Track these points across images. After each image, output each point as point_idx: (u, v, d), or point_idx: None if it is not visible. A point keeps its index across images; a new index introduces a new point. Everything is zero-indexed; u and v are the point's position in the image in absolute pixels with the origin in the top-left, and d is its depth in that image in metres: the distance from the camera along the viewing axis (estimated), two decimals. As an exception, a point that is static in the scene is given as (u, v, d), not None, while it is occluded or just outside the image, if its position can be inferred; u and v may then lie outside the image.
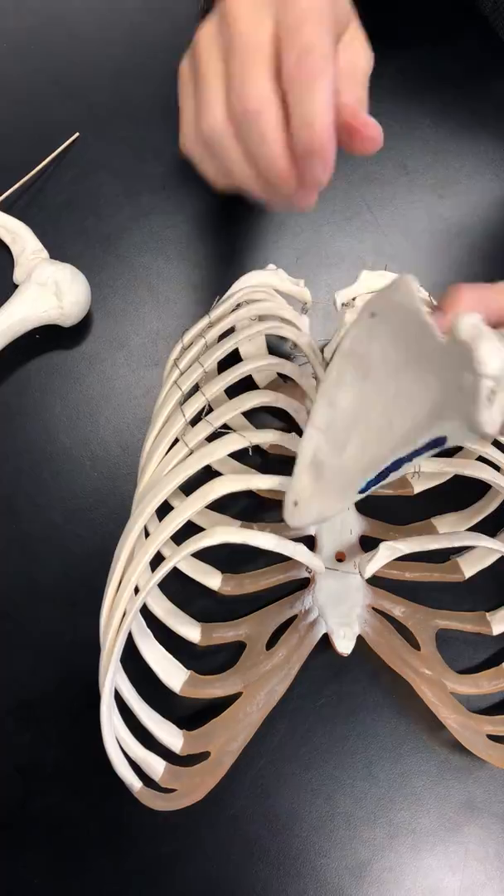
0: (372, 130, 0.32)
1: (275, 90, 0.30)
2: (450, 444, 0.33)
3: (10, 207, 0.60)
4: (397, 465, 0.35)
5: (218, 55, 0.31)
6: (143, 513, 0.41)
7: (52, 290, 0.54)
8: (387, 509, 0.50)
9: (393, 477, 0.36)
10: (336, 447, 0.38)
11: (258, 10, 0.30)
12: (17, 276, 0.56)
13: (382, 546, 0.44)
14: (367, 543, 0.48)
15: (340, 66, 0.33)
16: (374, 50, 0.35)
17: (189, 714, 0.45)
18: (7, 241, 0.58)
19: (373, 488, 0.36)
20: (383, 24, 0.67)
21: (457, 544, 0.44)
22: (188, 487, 0.43)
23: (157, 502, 0.42)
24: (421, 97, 0.65)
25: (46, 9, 0.69)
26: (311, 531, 0.49)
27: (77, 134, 0.63)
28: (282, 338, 0.49)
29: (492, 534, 0.49)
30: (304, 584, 0.47)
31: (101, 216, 0.60)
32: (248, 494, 0.50)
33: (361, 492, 0.36)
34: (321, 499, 0.38)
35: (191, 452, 0.43)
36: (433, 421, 0.32)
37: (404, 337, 0.34)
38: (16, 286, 0.55)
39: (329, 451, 0.39)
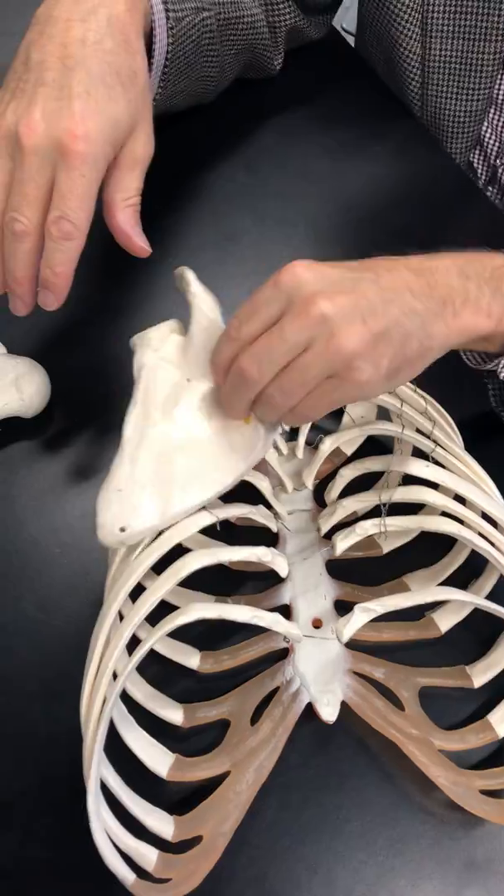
0: (140, 248, 0.44)
1: (39, 223, 0.39)
2: None
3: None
4: None
5: (5, 163, 0.39)
6: (116, 597, 0.41)
7: (12, 384, 0.54)
8: (358, 571, 0.50)
9: None
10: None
11: (46, 147, 0.38)
12: (-23, 372, 0.57)
13: (357, 609, 0.44)
14: (342, 607, 0.48)
15: (122, 158, 0.42)
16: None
17: (179, 797, 0.44)
18: (-35, 340, 0.60)
19: None
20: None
21: (429, 600, 0.45)
22: (159, 566, 0.43)
23: (129, 586, 0.42)
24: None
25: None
26: (286, 600, 0.49)
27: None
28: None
29: (462, 586, 0.50)
30: (283, 654, 0.47)
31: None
32: (220, 568, 0.50)
33: None
34: (148, 515, 0.41)
35: (159, 533, 0.43)
36: None
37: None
38: (-24, 382, 0.56)
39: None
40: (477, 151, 0.76)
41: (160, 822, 0.41)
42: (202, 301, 0.42)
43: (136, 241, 0.43)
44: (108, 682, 0.40)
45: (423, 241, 0.61)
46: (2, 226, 0.39)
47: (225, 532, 0.51)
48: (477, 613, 0.49)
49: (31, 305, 0.42)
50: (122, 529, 0.40)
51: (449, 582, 0.50)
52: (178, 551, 0.44)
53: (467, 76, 0.66)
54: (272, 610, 0.47)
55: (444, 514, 0.47)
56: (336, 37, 0.78)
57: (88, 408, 0.57)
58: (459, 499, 0.48)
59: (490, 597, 0.49)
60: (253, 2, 0.62)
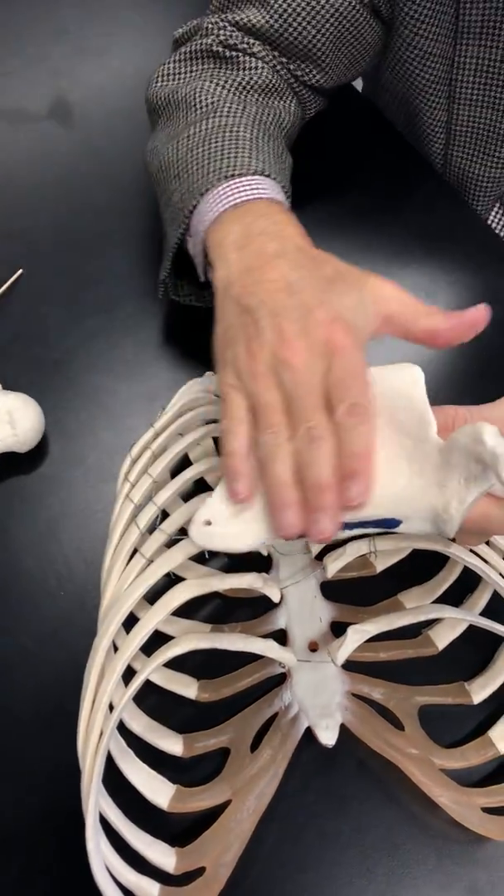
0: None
1: (330, 425, 0.36)
2: (401, 529, 0.36)
3: (-41, 346, 0.62)
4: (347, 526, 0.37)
5: (277, 393, 0.38)
6: (108, 629, 0.42)
7: (5, 420, 0.55)
8: (353, 592, 0.50)
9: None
10: None
11: (313, 358, 0.37)
12: (-29, 410, 0.58)
13: (350, 630, 0.44)
14: (339, 629, 0.48)
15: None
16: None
17: (180, 828, 0.44)
18: (-41, 378, 0.60)
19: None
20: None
21: (422, 618, 0.45)
22: (152, 597, 0.43)
23: (120, 617, 0.42)
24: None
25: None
26: (282, 624, 0.49)
27: (21, 270, 0.66)
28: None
29: (457, 602, 0.50)
30: (281, 679, 0.47)
31: (49, 343, 0.62)
32: (215, 595, 0.51)
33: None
34: (237, 530, 0.38)
35: (150, 562, 0.44)
36: (395, 506, 0.36)
37: (396, 421, 0.38)
38: (-30, 420, 0.57)
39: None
40: (497, 206, 0.76)
41: (162, 855, 0.41)
42: None
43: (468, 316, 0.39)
44: (104, 716, 0.40)
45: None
46: (295, 444, 0.37)
47: (218, 557, 0.52)
48: (475, 628, 0.48)
49: (341, 517, 0.37)
50: None
51: (444, 598, 0.50)
52: (173, 580, 0.45)
53: (493, 144, 0.66)
54: (268, 635, 0.48)
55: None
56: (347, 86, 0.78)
57: (82, 442, 0.58)
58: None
59: (486, 611, 0.49)
60: (293, 101, 0.62)
